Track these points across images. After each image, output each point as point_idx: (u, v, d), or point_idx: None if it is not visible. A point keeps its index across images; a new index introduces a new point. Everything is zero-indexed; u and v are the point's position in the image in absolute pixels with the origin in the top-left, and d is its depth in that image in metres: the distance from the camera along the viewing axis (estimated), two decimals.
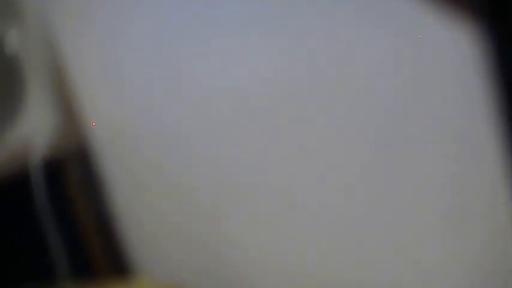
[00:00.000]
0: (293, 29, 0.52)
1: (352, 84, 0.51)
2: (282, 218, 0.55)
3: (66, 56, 0.55)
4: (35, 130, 0.55)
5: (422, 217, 0.52)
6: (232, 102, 0.55)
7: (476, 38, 0.46)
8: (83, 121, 0.56)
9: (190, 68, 0.55)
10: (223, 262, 0.57)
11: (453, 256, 0.52)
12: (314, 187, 0.54)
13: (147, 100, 0.56)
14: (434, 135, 0.50)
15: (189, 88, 0.55)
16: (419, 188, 0.52)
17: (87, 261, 0.58)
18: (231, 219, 0.56)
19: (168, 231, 0.58)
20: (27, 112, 0.55)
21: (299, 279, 0.56)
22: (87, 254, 0.59)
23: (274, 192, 0.55)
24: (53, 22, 0.55)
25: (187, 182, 0.57)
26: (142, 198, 0.58)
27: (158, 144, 0.56)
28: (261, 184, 0.55)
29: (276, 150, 0.55)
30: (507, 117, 0.46)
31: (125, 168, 0.57)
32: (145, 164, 0.57)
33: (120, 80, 0.56)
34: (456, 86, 0.49)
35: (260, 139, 0.54)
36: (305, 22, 0.52)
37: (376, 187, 0.53)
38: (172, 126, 0.56)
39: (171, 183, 0.57)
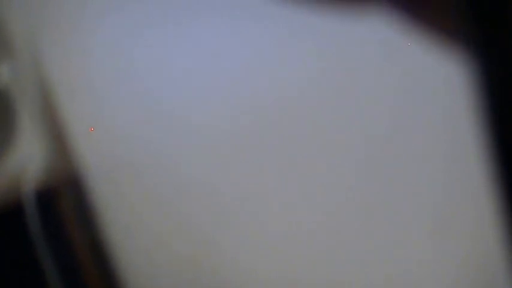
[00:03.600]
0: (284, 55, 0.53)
1: (343, 97, 0.52)
2: (280, 240, 0.56)
3: (56, 88, 0.56)
4: (27, 160, 0.56)
5: (409, 222, 0.53)
6: (227, 128, 0.55)
7: (464, 63, 0.47)
8: (74, 150, 0.57)
9: (184, 95, 0.56)
10: (227, 286, 0.58)
11: (441, 259, 0.53)
12: (306, 201, 0.55)
13: (140, 128, 0.56)
14: (422, 143, 0.51)
15: (183, 114, 0.56)
16: (406, 193, 0.53)
17: None
18: (229, 244, 0.57)
19: (164, 258, 0.59)
20: (19, 143, 0.56)
21: None
22: (82, 281, 0.59)
23: (273, 216, 0.56)
24: (44, 55, 0.56)
25: (182, 208, 0.57)
26: (137, 225, 0.58)
27: (152, 171, 0.57)
28: (259, 210, 0.56)
29: (272, 174, 0.55)
30: (492, 127, 0.47)
31: (118, 195, 0.58)
32: (138, 191, 0.57)
33: (112, 108, 0.56)
34: (443, 97, 0.50)
35: (254, 160, 0.55)
36: (297, 54, 0.53)
37: (366, 195, 0.54)
38: (166, 153, 0.57)
39: (166, 209, 0.58)
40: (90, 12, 0.55)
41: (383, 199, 0.54)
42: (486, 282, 0.53)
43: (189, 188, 0.57)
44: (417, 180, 0.53)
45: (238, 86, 0.55)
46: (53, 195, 0.57)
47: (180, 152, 0.57)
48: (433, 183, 0.53)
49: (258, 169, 0.56)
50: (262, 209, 0.57)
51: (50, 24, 0.56)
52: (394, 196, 0.54)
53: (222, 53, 0.55)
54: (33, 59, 0.56)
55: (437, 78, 0.48)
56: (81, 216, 0.58)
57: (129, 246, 0.59)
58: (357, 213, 0.55)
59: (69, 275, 0.58)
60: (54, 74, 0.56)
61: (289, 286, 0.57)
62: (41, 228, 0.56)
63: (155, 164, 0.57)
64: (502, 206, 0.47)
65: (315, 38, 0.52)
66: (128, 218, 0.58)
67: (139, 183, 0.58)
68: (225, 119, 0.55)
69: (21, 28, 0.56)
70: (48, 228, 0.56)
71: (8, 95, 0.56)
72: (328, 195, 0.55)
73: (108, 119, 0.57)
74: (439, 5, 0.45)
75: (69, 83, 0.56)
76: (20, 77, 0.56)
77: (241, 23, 0.53)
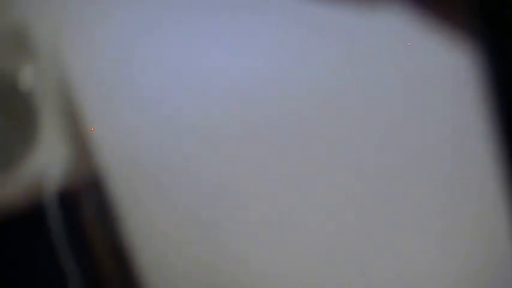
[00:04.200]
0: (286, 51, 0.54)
1: (348, 92, 0.53)
2: (289, 240, 0.56)
3: (79, 91, 0.57)
4: (49, 164, 0.57)
5: (414, 219, 0.53)
6: (237, 129, 0.56)
7: (471, 49, 0.47)
8: (95, 153, 0.57)
9: (199, 97, 0.56)
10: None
11: (445, 258, 0.53)
12: (310, 201, 0.55)
13: (161, 131, 0.57)
14: (428, 145, 0.51)
15: (198, 117, 0.56)
16: (411, 191, 0.53)
17: None
18: (246, 242, 0.57)
19: (183, 260, 0.59)
20: (42, 146, 0.56)
21: None
22: (103, 284, 0.60)
23: (284, 217, 0.57)
24: (67, 59, 0.56)
25: (200, 210, 0.58)
26: (156, 228, 0.59)
27: (172, 175, 0.58)
28: (273, 211, 0.56)
29: (282, 175, 0.56)
30: (500, 125, 0.47)
31: (139, 198, 0.58)
32: (158, 194, 0.58)
33: (134, 111, 0.57)
34: (451, 96, 0.50)
35: (263, 160, 0.56)
36: (299, 47, 0.53)
37: (369, 195, 0.54)
38: (186, 157, 0.57)
39: (185, 212, 0.58)
40: (115, 16, 0.56)
41: (386, 199, 0.54)
42: (487, 281, 0.53)
43: (207, 191, 0.57)
44: (420, 179, 0.53)
45: (249, 88, 0.55)
46: (74, 197, 0.58)
47: (203, 157, 0.57)
48: (436, 182, 0.53)
49: (271, 170, 0.56)
50: (276, 212, 0.57)
51: (73, 29, 0.56)
52: (397, 196, 0.54)
53: (230, 55, 0.55)
54: (56, 62, 0.56)
55: (448, 72, 0.48)
56: (102, 218, 0.58)
57: (149, 249, 0.59)
58: (360, 213, 0.55)
59: (89, 276, 0.58)
60: (77, 78, 0.57)
61: (297, 284, 0.57)
62: (63, 230, 0.56)
63: (175, 168, 0.58)
64: (506, 204, 0.47)
65: (325, 35, 0.52)
66: (148, 220, 0.59)
67: (159, 185, 0.58)
68: (242, 121, 0.56)
69: (44, 32, 0.56)
70: (69, 230, 0.56)
71: (31, 98, 0.56)
72: (332, 195, 0.55)
73: (129, 123, 0.57)
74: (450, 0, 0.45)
75: (91, 87, 0.57)
76: (42, 80, 0.57)
77: (248, 23, 0.54)
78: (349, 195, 0.55)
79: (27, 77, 0.57)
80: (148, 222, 0.59)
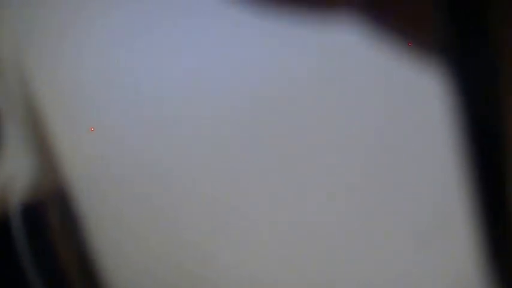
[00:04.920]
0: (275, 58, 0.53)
1: (326, 106, 0.52)
2: (276, 243, 0.56)
3: (43, 101, 0.56)
4: (13, 176, 0.56)
5: (393, 234, 0.53)
6: (216, 133, 0.55)
7: (444, 76, 0.46)
8: (61, 163, 0.57)
9: (173, 101, 0.55)
10: None
11: (439, 263, 0.53)
12: (301, 206, 0.55)
13: (129, 139, 0.56)
14: (403, 161, 0.51)
15: (171, 121, 0.55)
16: (390, 205, 0.52)
17: None
18: (223, 251, 0.57)
19: (155, 269, 0.59)
20: (5, 157, 0.56)
21: None
22: None
23: (267, 219, 0.56)
24: (30, 69, 0.56)
25: (172, 216, 0.57)
26: (126, 238, 0.58)
27: (142, 183, 0.57)
28: (253, 214, 0.56)
29: (268, 177, 0.55)
30: (476, 148, 0.47)
31: (107, 207, 0.58)
32: (128, 204, 0.57)
33: (100, 120, 0.56)
34: (427, 117, 0.49)
35: (251, 164, 0.55)
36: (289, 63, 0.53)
37: (362, 197, 0.53)
38: (156, 163, 0.57)
39: (157, 221, 0.57)
40: (78, 24, 0.55)
41: (380, 200, 0.54)
42: (485, 283, 0.53)
43: (182, 198, 0.57)
44: (414, 179, 0.52)
45: (233, 89, 0.54)
46: (39, 208, 0.57)
47: (173, 161, 0.56)
48: (430, 182, 0.52)
49: (254, 173, 0.56)
50: (259, 215, 0.56)
51: (36, 38, 0.56)
52: (390, 197, 0.53)
53: (216, 55, 0.55)
54: (19, 72, 0.56)
55: (412, 91, 0.47)
56: (68, 229, 0.58)
57: (118, 260, 0.59)
58: (356, 216, 0.54)
59: (56, 287, 0.58)
60: (41, 87, 0.56)
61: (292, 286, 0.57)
62: (28, 241, 0.56)
63: (145, 176, 0.57)
64: (478, 219, 0.47)
65: (286, 44, 0.51)
66: (117, 230, 0.58)
67: (129, 195, 0.57)
68: (219, 122, 0.55)
69: (7, 42, 0.56)
70: (34, 241, 0.56)
71: None
72: (321, 195, 0.55)
73: (96, 132, 0.57)
74: (414, 15, 0.44)
75: (56, 96, 0.56)
76: (5, 90, 0.56)
77: (239, 23, 0.53)
78: (339, 197, 0.54)
79: None
80: (118, 234, 0.58)
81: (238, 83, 0.54)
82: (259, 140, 0.54)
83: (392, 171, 0.52)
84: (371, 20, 0.45)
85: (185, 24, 0.55)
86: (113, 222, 0.58)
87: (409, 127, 0.49)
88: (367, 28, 0.47)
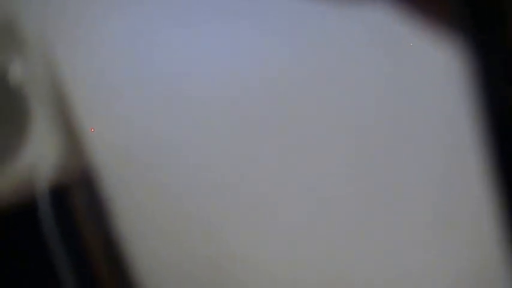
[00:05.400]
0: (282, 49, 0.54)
1: (337, 93, 0.53)
2: (286, 232, 0.57)
3: (69, 85, 0.56)
4: (40, 159, 0.56)
5: (408, 223, 0.53)
6: (235, 122, 0.56)
7: (459, 48, 0.47)
8: (86, 147, 0.57)
9: (194, 89, 0.56)
10: (235, 282, 0.58)
11: (440, 262, 0.54)
12: (309, 199, 0.56)
13: (153, 125, 0.57)
14: (418, 145, 0.52)
15: (193, 109, 0.56)
16: (405, 195, 0.53)
17: (95, 287, 0.59)
18: (240, 237, 0.57)
19: (175, 254, 0.59)
20: (32, 141, 0.56)
21: None
22: (95, 278, 0.59)
23: (282, 212, 0.57)
24: (56, 53, 0.56)
25: (194, 203, 0.58)
26: (149, 222, 0.58)
27: (164, 168, 0.58)
28: (267, 201, 0.57)
29: (276, 168, 0.56)
30: (491, 126, 0.48)
31: (131, 192, 0.58)
32: (150, 188, 0.58)
33: (125, 105, 0.57)
34: (439, 96, 0.51)
35: (263, 152, 0.56)
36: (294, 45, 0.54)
37: (364, 195, 0.54)
38: (178, 149, 0.57)
39: (177, 206, 0.58)
40: (101, 7, 0.56)
41: (382, 198, 0.54)
42: (487, 282, 0.54)
43: (200, 184, 0.57)
44: (417, 178, 0.53)
45: (246, 81, 0.55)
46: (66, 192, 0.57)
47: (195, 149, 0.57)
48: (432, 180, 0.53)
49: (270, 165, 0.56)
50: (271, 207, 0.57)
51: (61, 22, 0.56)
52: (393, 194, 0.54)
53: (226, 48, 0.55)
54: (45, 56, 0.56)
55: (433, 67, 0.49)
56: (93, 213, 0.58)
57: (141, 243, 0.59)
58: (358, 214, 0.55)
59: (81, 271, 0.58)
60: (67, 72, 0.56)
61: (295, 282, 0.58)
62: (55, 225, 0.56)
63: (167, 161, 0.58)
64: (501, 203, 0.48)
65: (313, 33, 0.52)
66: (140, 214, 0.59)
67: (152, 180, 0.58)
68: (238, 114, 0.56)
69: (33, 26, 0.56)
70: (61, 224, 0.56)
71: (21, 93, 0.56)
72: (328, 197, 0.55)
73: (121, 116, 0.57)
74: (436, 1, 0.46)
75: (81, 80, 0.57)
76: (32, 74, 0.57)
77: (238, 16, 0.54)
78: (343, 197, 0.55)
79: (18, 70, 0.57)
80: (141, 217, 0.58)
81: (251, 68, 0.55)
82: (275, 130, 0.55)
83: (411, 160, 0.53)
84: (395, 2, 0.46)
85: (200, 14, 0.56)
86: (136, 206, 0.58)
87: (430, 109, 0.50)
88: (391, 10, 0.48)
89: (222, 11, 0.55)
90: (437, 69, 0.50)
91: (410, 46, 0.49)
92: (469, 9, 0.45)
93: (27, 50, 0.56)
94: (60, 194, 0.56)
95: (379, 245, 0.55)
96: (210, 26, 0.56)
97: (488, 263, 0.53)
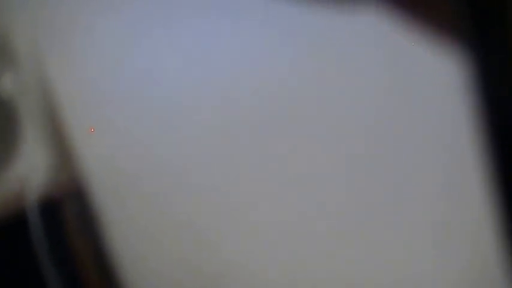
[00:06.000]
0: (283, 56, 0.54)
1: (339, 95, 0.53)
2: (281, 239, 0.56)
3: (59, 97, 0.56)
4: (30, 170, 0.56)
5: (409, 231, 0.53)
6: (228, 132, 0.56)
7: (459, 54, 0.47)
8: (77, 160, 0.57)
9: (185, 100, 0.56)
10: None
11: (441, 268, 0.53)
12: (310, 206, 0.55)
13: (144, 137, 0.57)
14: (418, 149, 0.52)
15: (183, 119, 0.56)
16: (407, 202, 0.53)
17: None
18: (232, 248, 0.57)
19: (168, 265, 0.59)
20: (22, 153, 0.56)
21: None
22: None
23: (275, 218, 0.57)
24: (47, 65, 0.56)
25: (186, 212, 0.58)
26: (140, 234, 0.58)
27: (155, 181, 0.57)
28: (260, 208, 0.57)
29: (273, 176, 0.56)
30: (492, 129, 0.48)
31: (121, 203, 0.58)
32: (141, 200, 0.57)
33: (116, 116, 0.57)
34: (440, 100, 0.51)
35: (256, 162, 0.56)
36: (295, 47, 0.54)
37: (364, 202, 0.54)
38: (169, 161, 0.57)
39: (169, 218, 0.58)
40: (93, 19, 0.56)
41: (383, 202, 0.54)
42: (487, 284, 0.54)
43: (192, 196, 0.57)
44: (417, 183, 0.53)
45: (239, 89, 0.55)
46: (56, 204, 0.57)
47: (186, 160, 0.57)
48: (433, 185, 0.53)
49: (260, 172, 0.56)
50: (264, 213, 0.57)
51: (52, 34, 0.56)
52: (394, 198, 0.54)
53: (221, 54, 0.55)
54: (36, 68, 0.56)
55: (433, 74, 0.49)
56: (84, 225, 0.58)
57: (132, 255, 0.59)
58: (358, 218, 0.55)
59: (72, 283, 0.58)
60: (57, 84, 0.56)
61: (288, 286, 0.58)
62: (44, 237, 0.56)
63: (158, 174, 0.57)
64: (500, 207, 0.48)
65: (311, 36, 0.52)
66: (131, 227, 0.58)
67: (142, 192, 0.58)
68: (226, 121, 0.56)
69: (24, 38, 0.56)
70: (51, 237, 0.56)
71: (11, 105, 0.56)
72: (326, 198, 0.55)
73: (111, 128, 0.57)
74: (435, 2, 0.46)
75: (72, 93, 0.57)
76: (23, 86, 0.57)
77: (237, 21, 0.54)
78: (343, 200, 0.55)
79: (7, 83, 0.57)
80: (132, 229, 0.58)
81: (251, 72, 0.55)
82: (275, 134, 0.55)
83: (413, 161, 0.53)
84: (394, 6, 0.46)
85: (197, 20, 0.56)
86: (128, 218, 0.58)
87: (430, 115, 0.50)
88: (388, 12, 0.48)
89: (219, 18, 0.55)
90: (437, 72, 0.50)
91: (412, 45, 0.49)
92: (469, 10, 0.45)
93: (18, 62, 0.56)
94: (50, 206, 0.56)
95: (379, 247, 0.55)
96: (206, 32, 0.56)
97: (488, 265, 0.53)
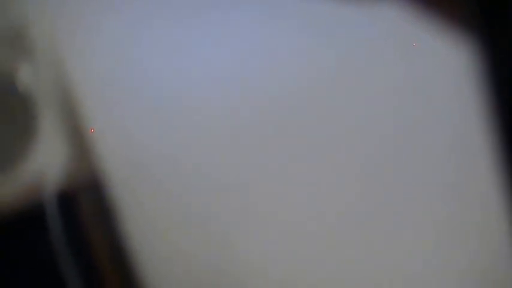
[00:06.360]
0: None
1: (345, 93, 0.53)
2: (290, 237, 0.57)
3: (77, 91, 0.56)
4: (48, 164, 0.56)
5: (415, 227, 0.54)
6: (243, 129, 0.56)
7: (471, 48, 0.48)
8: (94, 153, 0.57)
9: (200, 95, 0.56)
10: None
11: (446, 265, 0.54)
12: (314, 206, 0.56)
13: (161, 132, 0.57)
14: (429, 145, 0.52)
15: (201, 116, 0.56)
16: (413, 198, 0.53)
17: None
18: (247, 245, 0.58)
19: (183, 260, 0.59)
20: (40, 146, 0.56)
21: None
22: (102, 283, 0.59)
23: (288, 216, 0.57)
24: (65, 58, 0.56)
25: (201, 209, 0.58)
26: (156, 228, 0.58)
27: (171, 175, 0.58)
28: (275, 209, 0.57)
29: (281, 172, 0.56)
30: (502, 128, 0.48)
31: (138, 197, 0.58)
32: (158, 194, 0.58)
33: (133, 112, 0.57)
34: (451, 96, 0.51)
35: (271, 161, 0.56)
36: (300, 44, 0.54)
37: (371, 199, 0.54)
38: (185, 157, 0.57)
39: (185, 211, 0.58)
40: (112, 14, 0.56)
41: (388, 202, 0.55)
42: (493, 282, 0.54)
43: (208, 191, 0.57)
44: (423, 182, 0.54)
45: (249, 86, 0.55)
46: (73, 197, 0.57)
47: (201, 155, 0.57)
48: (440, 184, 0.53)
49: (274, 168, 0.57)
50: (281, 211, 0.57)
51: (71, 28, 0.56)
52: (399, 198, 0.54)
53: (228, 51, 0.56)
54: (54, 62, 0.56)
55: (448, 69, 0.49)
56: (100, 218, 0.58)
57: (148, 249, 0.59)
58: (363, 218, 0.55)
59: (88, 276, 0.58)
60: (75, 78, 0.56)
61: (299, 283, 0.58)
62: (62, 230, 0.56)
63: (174, 167, 0.58)
64: (508, 207, 0.48)
65: (322, 31, 0.52)
66: (147, 220, 0.59)
67: (158, 186, 0.58)
68: (242, 119, 0.56)
69: (41, 31, 0.56)
70: (68, 230, 0.56)
71: (29, 98, 0.56)
72: (335, 198, 0.55)
73: (129, 123, 0.57)
74: None
75: (90, 87, 0.57)
76: (40, 80, 0.57)
77: (243, 19, 0.54)
78: (351, 198, 0.55)
79: (25, 77, 0.57)
80: (148, 223, 0.58)
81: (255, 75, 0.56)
82: (283, 134, 0.55)
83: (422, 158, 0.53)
84: (410, 1, 0.47)
85: (203, 19, 0.56)
86: (144, 211, 0.58)
87: (441, 112, 0.50)
88: (406, 8, 0.49)
89: (221, 17, 0.55)
90: (449, 68, 0.50)
91: (415, 45, 0.50)
92: (481, 7, 0.45)
93: (36, 56, 0.56)
94: (67, 198, 0.56)
95: (387, 247, 0.55)
96: (213, 32, 0.56)
97: (495, 264, 0.53)
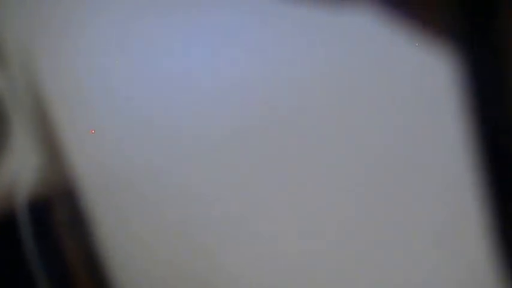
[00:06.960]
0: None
1: (332, 98, 0.52)
2: (279, 251, 0.56)
3: (50, 97, 0.56)
4: (20, 169, 0.56)
5: (411, 237, 0.53)
6: (223, 135, 0.56)
7: (453, 61, 0.47)
8: (67, 160, 0.57)
9: (180, 103, 0.56)
10: None
11: (442, 276, 0.53)
12: (310, 217, 0.55)
13: (134, 137, 0.56)
14: (416, 150, 0.51)
15: (179, 122, 0.56)
16: (408, 209, 0.53)
17: None
18: (225, 253, 0.57)
19: (159, 268, 0.59)
20: (12, 153, 0.56)
21: None
22: None
23: (270, 224, 0.56)
24: (37, 64, 0.56)
25: (178, 218, 0.57)
26: (131, 235, 0.58)
27: (146, 181, 0.57)
28: (256, 218, 0.56)
29: (269, 181, 0.55)
30: (486, 140, 0.48)
31: (112, 204, 0.58)
32: (132, 201, 0.57)
33: (106, 117, 0.56)
34: (436, 102, 0.50)
35: (252, 172, 0.55)
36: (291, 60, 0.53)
37: (367, 204, 0.54)
38: (160, 163, 0.57)
39: (160, 219, 0.58)
40: (86, 18, 0.56)
41: (384, 208, 0.54)
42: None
43: (184, 198, 0.57)
44: (415, 185, 0.53)
45: (236, 92, 0.55)
46: (46, 205, 0.57)
47: (177, 161, 0.57)
48: (431, 186, 0.53)
49: (255, 176, 0.56)
50: (260, 219, 0.56)
51: (44, 34, 0.56)
52: (393, 200, 0.54)
53: (219, 56, 0.55)
54: (27, 68, 0.56)
55: (425, 75, 0.48)
56: (74, 226, 0.58)
57: (123, 258, 0.59)
58: (359, 224, 0.55)
59: (60, 284, 0.57)
60: (47, 83, 0.56)
61: None
62: (34, 238, 0.55)
63: (149, 174, 0.57)
64: (492, 208, 0.47)
65: (305, 37, 0.52)
66: (121, 227, 0.58)
67: (133, 193, 0.58)
68: (222, 124, 0.55)
69: (14, 37, 0.56)
70: (40, 237, 0.56)
71: (2, 105, 0.56)
72: (326, 202, 0.55)
73: (101, 128, 0.57)
74: (427, 1, 0.45)
75: (62, 92, 0.56)
76: (13, 85, 0.56)
77: (237, 23, 0.54)
78: (343, 202, 0.54)
79: None
80: (123, 231, 0.58)
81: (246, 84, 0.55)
82: (272, 145, 0.55)
83: (407, 170, 0.52)
84: (385, 6, 0.46)
85: (191, 23, 0.55)
86: (118, 218, 0.58)
87: (421, 121, 0.50)
88: (381, 13, 0.48)
89: (218, 18, 0.55)
90: (429, 77, 0.49)
91: (415, 45, 0.49)
92: (461, 11, 0.45)
93: (8, 62, 0.55)
94: (40, 205, 0.56)
95: (380, 256, 0.54)
96: (204, 32, 0.55)
97: (487, 269, 0.53)
